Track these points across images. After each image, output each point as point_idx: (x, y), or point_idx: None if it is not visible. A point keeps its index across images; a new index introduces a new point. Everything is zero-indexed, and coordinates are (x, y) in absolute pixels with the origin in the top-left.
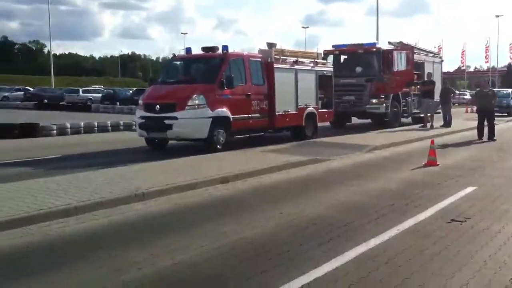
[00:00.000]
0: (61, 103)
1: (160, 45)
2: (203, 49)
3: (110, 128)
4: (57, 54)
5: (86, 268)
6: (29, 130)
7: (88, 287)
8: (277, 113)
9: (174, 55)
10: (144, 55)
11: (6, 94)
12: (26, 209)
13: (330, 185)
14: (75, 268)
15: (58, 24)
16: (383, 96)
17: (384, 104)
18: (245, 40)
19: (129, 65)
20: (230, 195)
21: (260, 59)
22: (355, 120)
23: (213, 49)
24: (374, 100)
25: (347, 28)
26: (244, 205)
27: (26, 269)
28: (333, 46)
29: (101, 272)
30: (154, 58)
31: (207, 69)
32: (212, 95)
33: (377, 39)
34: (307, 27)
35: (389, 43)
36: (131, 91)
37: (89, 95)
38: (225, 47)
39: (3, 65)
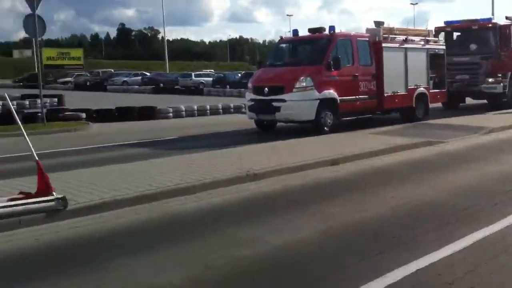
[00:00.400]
0: (175, 87)
1: (266, 28)
2: (310, 30)
3: (221, 110)
4: (170, 39)
5: (202, 244)
6: (148, 113)
7: (204, 262)
8: (385, 94)
9: (281, 37)
10: (251, 39)
11: (126, 79)
12: (148, 187)
13: (445, 168)
14: (192, 244)
15: (171, 11)
16: (500, 75)
17: (502, 84)
18: (350, 19)
19: (237, 49)
20: (340, 177)
21: (367, 39)
22: (469, 100)
23: (319, 30)
24: (490, 79)
25: (459, 3)
26: (355, 187)
27: (149, 242)
28: (445, 22)
29: (215, 248)
30: (260, 41)
31: (314, 51)
32: (319, 76)
33: (493, 14)
34: (416, 3)
35: (507, 18)
36: (239, 75)
37: (201, 79)
38: (332, 28)
39: (123, 51)
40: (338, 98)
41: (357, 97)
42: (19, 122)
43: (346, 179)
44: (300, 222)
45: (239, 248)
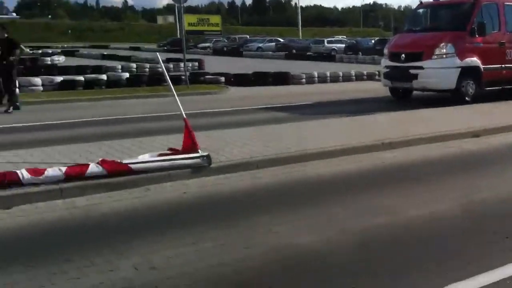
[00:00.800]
0: (307, 53)
1: None
2: None
3: (354, 77)
4: (303, 6)
5: (338, 209)
6: (282, 78)
7: (340, 226)
8: None
9: (421, 2)
10: (386, 4)
11: (260, 45)
12: (291, 149)
13: None
14: (328, 208)
15: None
16: None
17: None
18: None
19: (370, 15)
20: (482, 150)
21: None
22: None
23: None
24: None
25: None
26: (500, 161)
27: (286, 203)
28: None
29: (350, 214)
30: (395, 7)
31: (457, 16)
32: (461, 43)
33: None
34: None
35: None
36: (373, 41)
37: (333, 46)
38: None
39: (258, 17)
40: (482, 66)
41: (503, 65)
42: (171, 83)
43: (489, 152)
44: (437, 194)
45: (374, 215)
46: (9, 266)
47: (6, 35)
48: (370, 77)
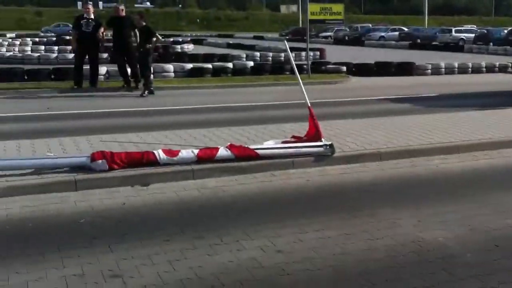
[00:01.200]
0: (433, 43)
1: None
2: None
3: (484, 69)
4: None
5: (466, 206)
6: (405, 69)
7: (469, 224)
8: None
9: None
10: None
11: (383, 34)
12: (409, 142)
13: None
14: (458, 204)
15: None
16: None
17: None
18: None
19: (503, 3)
20: None
21: None
22: None
23: None
24: None
25: None
26: None
27: (410, 197)
28: None
29: (479, 212)
30: None
31: None
32: None
33: None
34: None
35: None
36: (505, 31)
37: (461, 35)
38: None
39: (381, 5)
40: None
41: None
42: (297, 72)
43: None
44: None
45: (508, 216)
46: (146, 240)
47: (143, 23)
48: (503, 69)
